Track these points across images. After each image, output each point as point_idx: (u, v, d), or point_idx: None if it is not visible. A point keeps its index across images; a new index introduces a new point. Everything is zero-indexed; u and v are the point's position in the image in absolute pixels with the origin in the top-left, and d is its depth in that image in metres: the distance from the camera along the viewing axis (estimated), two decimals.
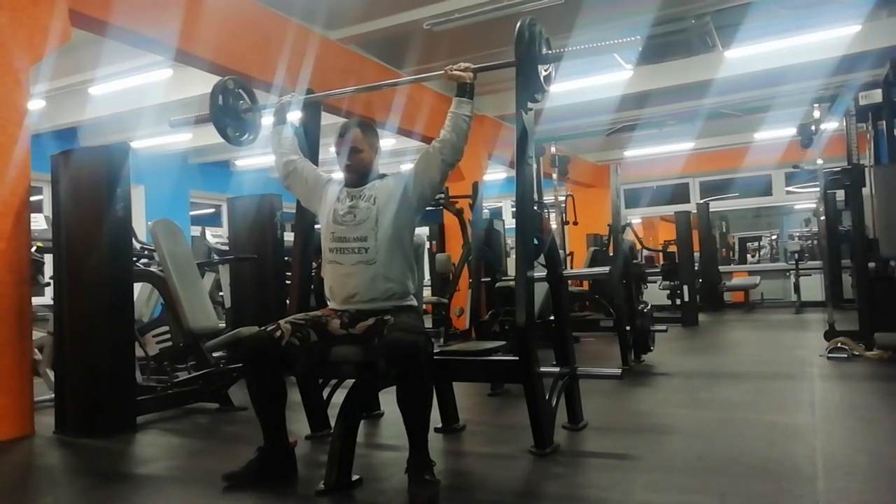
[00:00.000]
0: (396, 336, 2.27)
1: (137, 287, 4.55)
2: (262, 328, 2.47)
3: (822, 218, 6.24)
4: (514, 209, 2.87)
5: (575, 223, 8.54)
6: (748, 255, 13.54)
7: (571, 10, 5.35)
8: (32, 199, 3.63)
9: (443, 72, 2.66)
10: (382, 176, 2.69)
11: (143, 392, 3.79)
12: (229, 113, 2.97)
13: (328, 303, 2.66)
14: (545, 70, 2.81)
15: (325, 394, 3.19)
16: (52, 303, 3.73)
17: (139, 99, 6.98)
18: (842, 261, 6.62)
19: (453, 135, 2.54)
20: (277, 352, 2.38)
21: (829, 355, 4.95)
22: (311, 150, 3.15)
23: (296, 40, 5.38)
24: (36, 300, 3.73)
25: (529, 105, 2.77)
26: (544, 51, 2.77)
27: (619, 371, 3.32)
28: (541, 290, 3.94)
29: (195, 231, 8.36)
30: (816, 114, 6.26)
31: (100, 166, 3.54)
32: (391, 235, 2.53)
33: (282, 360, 2.42)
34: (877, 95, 5.55)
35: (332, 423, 2.49)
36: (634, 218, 12.62)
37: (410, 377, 2.24)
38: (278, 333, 2.40)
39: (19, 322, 3.45)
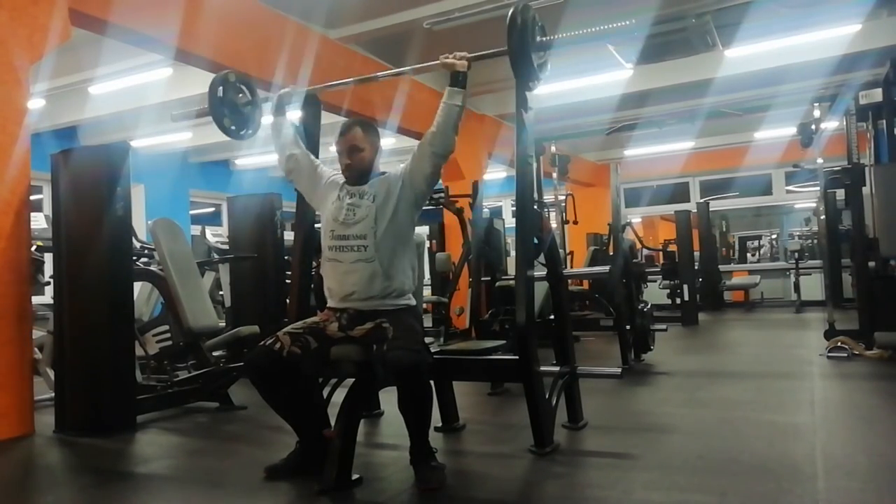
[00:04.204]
0: (397, 355, 2.26)
1: (137, 286, 4.55)
2: (262, 343, 2.49)
3: (823, 217, 6.23)
4: (514, 208, 2.87)
5: (575, 222, 8.53)
6: (748, 255, 13.55)
7: (570, 10, 5.34)
8: (32, 198, 3.63)
9: (438, 61, 2.64)
10: (382, 174, 2.69)
11: (143, 391, 3.79)
12: (228, 105, 2.96)
13: (327, 301, 2.66)
14: (540, 57, 2.78)
15: (325, 393, 3.18)
16: (52, 302, 3.73)
17: (139, 98, 6.97)
18: (842, 260, 6.62)
19: (444, 126, 2.51)
20: (280, 364, 2.40)
21: (829, 354, 4.95)
22: (310, 150, 3.15)
23: (296, 39, 5.37)
24: (36, 299, 3.73)
25: (527, 96, 2.75)
26: (538, 38, 2.74)
27: (619, 370, 3.34)
28: (541, 289, 3.94)
29: (195, 230, 8.38)
30: (816, 113, 6.25)
31: (100, 165, 3.54)
32: (390, 233, 2.52)
33: (286, 371, 2.43)
34: (877, 95, 5.54)
35: (332, 423, 2.48)
36: (634, 217, 12.62)
37: (411, 389, 2.30)
38: (278, 346, 2.42)
39: (19, 321, 3.45)
